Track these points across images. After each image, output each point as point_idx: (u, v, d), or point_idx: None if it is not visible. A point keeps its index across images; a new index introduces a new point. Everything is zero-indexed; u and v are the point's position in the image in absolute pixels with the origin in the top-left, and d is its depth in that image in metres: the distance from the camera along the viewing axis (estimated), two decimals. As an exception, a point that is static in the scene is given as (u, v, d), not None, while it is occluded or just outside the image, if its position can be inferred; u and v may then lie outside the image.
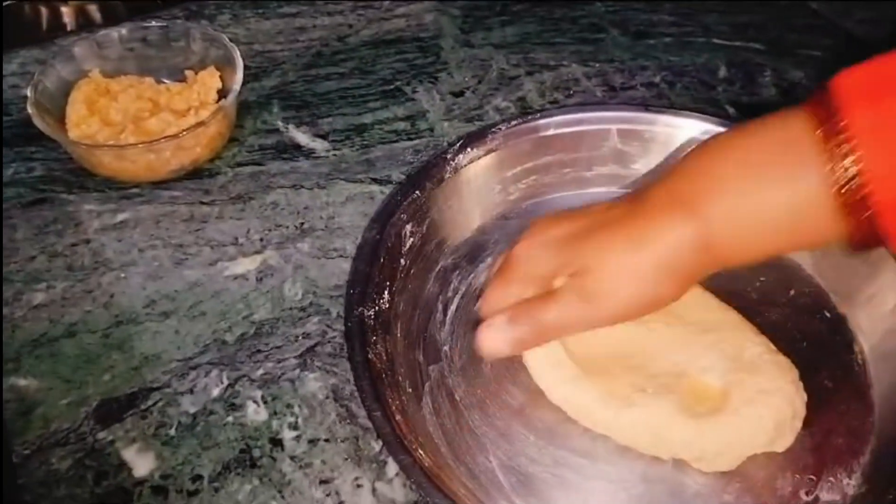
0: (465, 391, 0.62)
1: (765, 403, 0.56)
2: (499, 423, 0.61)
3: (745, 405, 0.57)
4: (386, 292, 0.65)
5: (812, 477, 0.57)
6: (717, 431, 0.56)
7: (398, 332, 0.64)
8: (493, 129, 0.74)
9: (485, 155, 0.74)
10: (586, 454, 0.59)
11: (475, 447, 0.59)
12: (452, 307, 0.68)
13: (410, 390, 0.61)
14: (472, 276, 0.70)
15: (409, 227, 0.69)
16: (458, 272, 0.70)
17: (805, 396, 0.58)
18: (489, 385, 0.63)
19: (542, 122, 0.75)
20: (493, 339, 0.57)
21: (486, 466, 0.58)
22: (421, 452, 0.55)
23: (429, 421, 0.60)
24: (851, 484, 0.57)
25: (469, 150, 0.73)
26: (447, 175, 0.72)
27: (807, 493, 0.57)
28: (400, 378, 0.61)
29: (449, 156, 0.73)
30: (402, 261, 0.68)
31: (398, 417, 0.57)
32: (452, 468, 0.58)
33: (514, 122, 0.75)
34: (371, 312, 0.63)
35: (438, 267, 0.70)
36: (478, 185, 0.74)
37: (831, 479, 0.57)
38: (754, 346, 0.60)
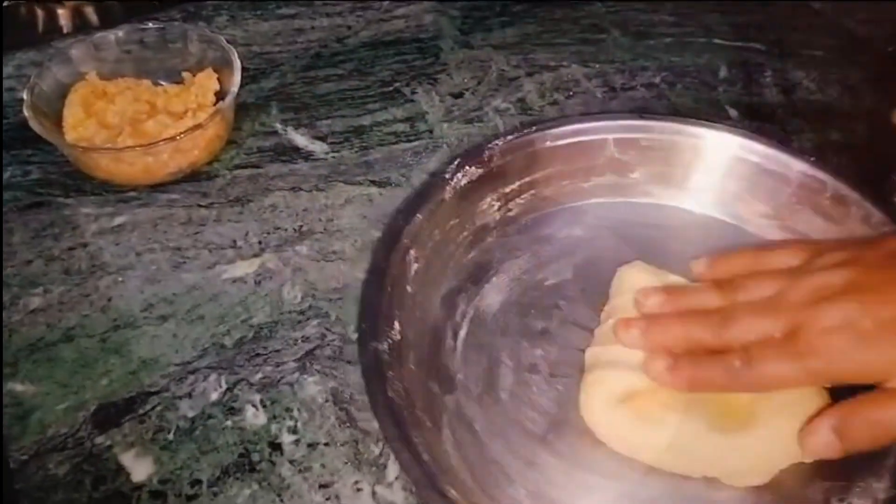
0: (484, 420, 0.61)
1: (793, 414, 0.56)
2: (523, 452, 0.59)
3: (774, 417, 0.56)
4: (396, 322, 0.63)
5: (843, 484, 0.57)
6: (748, 446, 0.56)
7: (411, 363, 0.63)
8: (489, 146, 0.74)
9: (482, 172, 0.73)
10: (616, 477, 0.58)
11: (502, 478, 0.58)
12: (462, 332, 0.66)
13: (429, 424, 0.60)
14: (477, 297, 0.69)
15: (412, 252, 0.68)
16: (463, 294, 0.69)
17: (830, 402, 0.58)
18: (508, 412, 0.61)
19: (537, 135, 0.75)
20: (821, 449, 0.54)
21: (515, 497, 0.57)
22: (454, 492, 0.54)
23: (451, 455, 0.59)
24: (881, 487, 0.57)
25: (466, 168, 0.72)
26: (447, 196, 0.71)
27: (839, 501, 0.56)
28: (419, 413, 0.60)
29: (447, 175, 0.72)
30: (409, 288, 0.66)
31: (426, 457, 0.56)
32: (482, 503, 0.57)
33: (509, 137, 0.74)
34: (385, 346, 0.61)
35: (443, 291, 0.69)
36: (477, 203, 0.73)
37: (861, 484, 0.57)
38: None
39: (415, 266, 0.67)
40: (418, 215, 0.69)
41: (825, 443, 0.53)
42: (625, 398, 0.58)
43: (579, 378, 0.61)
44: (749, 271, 0.62)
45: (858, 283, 0.55)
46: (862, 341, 0.53)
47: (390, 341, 0.62)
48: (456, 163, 0.72)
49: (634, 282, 0.66)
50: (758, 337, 0.56)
